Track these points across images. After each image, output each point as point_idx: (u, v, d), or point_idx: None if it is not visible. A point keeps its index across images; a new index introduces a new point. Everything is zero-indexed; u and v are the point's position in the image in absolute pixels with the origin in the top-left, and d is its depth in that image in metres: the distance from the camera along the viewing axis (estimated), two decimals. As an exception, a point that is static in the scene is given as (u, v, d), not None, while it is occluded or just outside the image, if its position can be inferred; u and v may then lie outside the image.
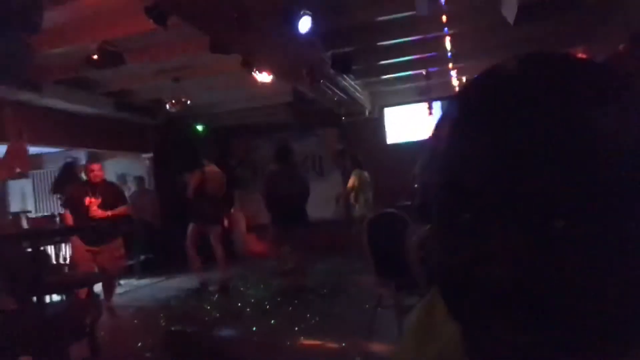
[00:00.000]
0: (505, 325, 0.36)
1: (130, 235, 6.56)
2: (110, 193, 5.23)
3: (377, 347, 3.51)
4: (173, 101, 6.45)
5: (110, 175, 8.82)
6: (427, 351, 0.55)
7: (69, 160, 7.32)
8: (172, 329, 4.40)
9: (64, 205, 5.35)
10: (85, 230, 4.87)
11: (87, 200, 4.98)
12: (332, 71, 5.74)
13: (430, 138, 0.45)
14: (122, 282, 6.83)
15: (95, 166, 5.19)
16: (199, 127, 8.75)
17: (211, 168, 6.15)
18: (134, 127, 7.98)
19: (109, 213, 5.05)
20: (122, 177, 8.51)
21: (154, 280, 7.22)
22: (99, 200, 5.00)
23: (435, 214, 0.41)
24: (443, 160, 0.40)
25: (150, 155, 8.52)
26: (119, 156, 8.47)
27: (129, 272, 7.07)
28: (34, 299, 2.79)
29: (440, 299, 0.51)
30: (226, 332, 4.48)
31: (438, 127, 0.43)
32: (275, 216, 5.53)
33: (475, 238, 0.37)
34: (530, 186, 0.35)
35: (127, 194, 8.09)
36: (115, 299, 5.41)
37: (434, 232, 0.42)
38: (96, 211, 4.98)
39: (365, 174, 6.93)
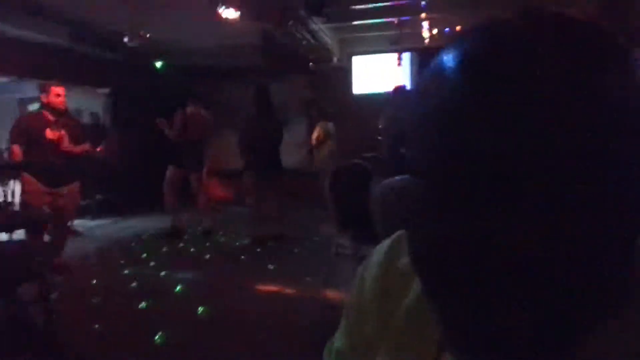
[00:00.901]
0: (482, 307, 0.35)
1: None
2: (77, 125, 4.54)
3: (332, 294, 3.58)
4: (133, 35, 6.10)
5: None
6: (393, 310, 0.53)
7: None
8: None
9: (13, 137, 4.29)
10: (46, 167, 4.16)
11: (48, 131, 4.17)
12: (302, 12, 5.52)
13: (416, 88, 0.40)
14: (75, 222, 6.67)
15: (60, 89, 4.32)
16: (159, 64, 8.35)
17: (196, 109, 5.88)
18: (90, 59, 7.53)
19: (86, 148, 4.36)
20: (77, 112, 8.12)
21: (110, 220, 7.08)
22: (64, 132, 4.21)
23: (418, 175, 0.38)
24: (434, 120, 0.36)
25: (107, 90, 8.13)
26: (73, 90, 8.04)
27: (83, 213, 6.88)
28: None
29: (401, 250, 0.51)
30: (181, 274, 4.47)
31: (427, 80, 0.39)
32: (252, 162, 5.39)
33: (472, 205, 0.34)
34: (537, 153, 0.32)
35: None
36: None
37: (413, 193, 0.38)
38: (69, 146, 4.22)
39: (330, 125, 6.86)
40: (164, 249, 5.39)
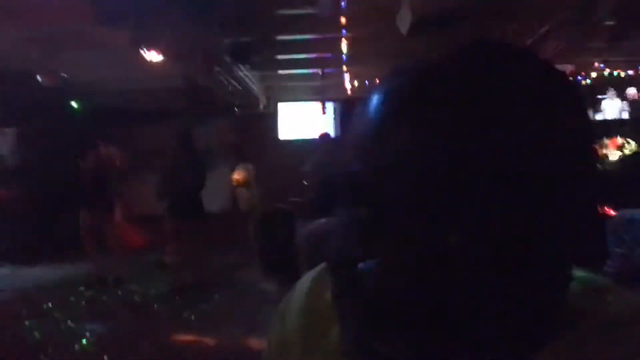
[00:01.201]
0: (380, 333, 0.34)
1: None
2: None
3: (255, 343, 3.47)
4: (46, 74, 5.81)
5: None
6: (320, 338, 0.52)
7: None
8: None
9: None
10: None
11: None
12: (227, 59, 5.58)
13: (331, 135, 0.42)
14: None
15: None
16: (75, 105, 7.97)
17: (106, 150, 5.60)
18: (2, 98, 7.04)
19: None
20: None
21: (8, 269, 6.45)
22: None
23: (336, 206, 0.38)
24: (353, 151, 0.37)
25: (14, 130, 7.59)
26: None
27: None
28: None
29: (323, 283, 0.49)
30: (89, 325, 4.13)
31: (357, 122, 0.40)
32: (173, 206, 5.21)
33: (368, 236, 0.34)
34: (435, 194, 0.32)
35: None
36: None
37: (333, 227, 0.39)
38: None
39: (250, 166, 6.86)
40: (71, 299, 4.98)
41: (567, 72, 5.70)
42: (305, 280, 0.58)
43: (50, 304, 4.71)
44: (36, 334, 3.86)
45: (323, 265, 0.56)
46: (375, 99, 0.38)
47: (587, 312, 0.37)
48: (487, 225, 0.32)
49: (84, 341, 3.73)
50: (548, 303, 0.36)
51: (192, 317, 4.34)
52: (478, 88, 0.33)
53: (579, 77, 7.29)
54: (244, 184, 6.55)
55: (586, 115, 0.37)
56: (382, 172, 0.34)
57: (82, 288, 5.32)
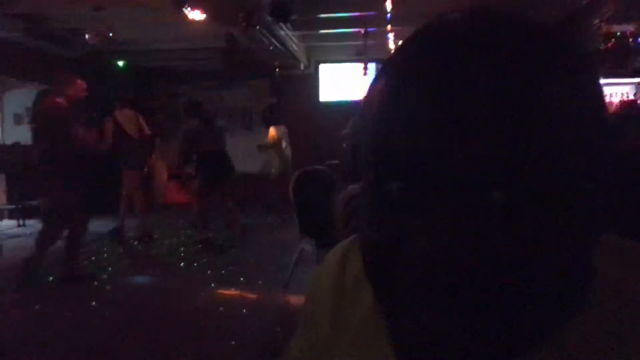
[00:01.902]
0: (426, 308, 0.33)
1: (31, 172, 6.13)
2: None
3: (293, 299, 3.56)
4: (93, 32, 5.92)
5: (17, 108, 8.09)
6: (348, 315, 0.52)
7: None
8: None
9: None
10: None
11: None
12: (269, 19, 5.51)
13: (364, 98, 0.40)
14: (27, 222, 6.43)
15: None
16: (120, 64, 8.12)
17: (123, 112, 5.74)
18: (46, 57, 7.27)
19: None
20: (30, 111, 7.81)
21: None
22: None
23: (365, 181, 0.37)
24: (375, 123, 0.36)
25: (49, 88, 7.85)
26: (29, 87, 7.73)
27: (34, 213, 6.61)
28: None
29: (357, 253, 0.47)
30: (139, 279, 4.34)
31: (372, 86, 0.39)
32: (197, 168, 5.50)
33: (403, 209, 0.33)
34: (467, 153, 0.30)
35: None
36: (19, 240, 5.05)
37: (362, 199, 0.38)
38: None
39: (282, 128, 6.89)
40: (120, 251, 5.24)
41: (628, 33, 5.34)
42: (337, 251, 0.57)
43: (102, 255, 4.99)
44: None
45: (355, 235, 0.56)
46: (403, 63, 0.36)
47: (621, 282, 0.37)
48: (531, 180, 0.30)
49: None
50: (584, 270, 0.35)
51: (223, 272, 4.47)
52: (500, 48, 0.32)
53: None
54: (278, 145, 6.59)
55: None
56: (419, 137, 0.33)
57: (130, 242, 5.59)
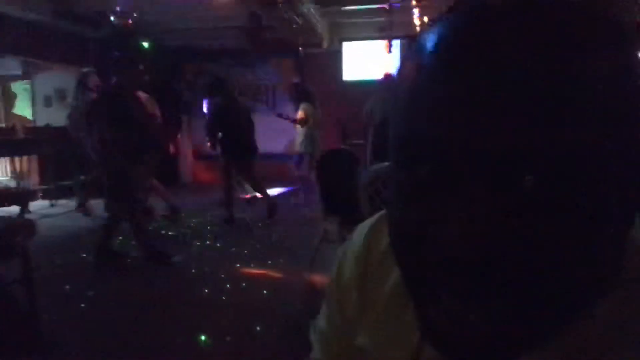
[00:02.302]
0: (453, 295, 0.33)
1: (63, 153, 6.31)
2: None
3: (317, 278, 3.60)
4: (119, 13, 5.97)
5: (47, 89, 8.25)
6: (372, 295, 0.52)
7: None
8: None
9: None
10: None
11: None
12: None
13: (395, 76, 0.39)
14: (60, 202, 6.63)
15: None
16: (146, 44, 8.17)
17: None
18: (74, 38, 7.37)
19: None
20: (61, 92, 7.97)
21: (93, 202, 6.98)
22: None
23: (394, 162, 0.37)
24: (406, 105, 0.35)
25: (92, 70, 7.95)
26: (57, 69, 7.87)
27: (67, 193, 6.80)
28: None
29: (384, 230, 0.47)
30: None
31: (403, 65, 0.38)
32: (222, 147, 5.50)
33: (434, 193, 0.33)
34: (502, 137, 0.30)
35: (65, 111, 7.62)
36: (52, 220, 5.19)
37: (391, 180, 0.38)
38: None
39: (307, 106, 6.86)
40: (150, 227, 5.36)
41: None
42: (362, 229, 0.57)
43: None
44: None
45: (381, 213, 0.56)
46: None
47: None
48: (565, 164, 0.30)
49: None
50: (614, 252, 0.34)
51: (245, 252, 4.54)
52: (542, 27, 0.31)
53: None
54: (303, 124, 6.57)
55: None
56: (451, 120, 0.32)
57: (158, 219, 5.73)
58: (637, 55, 0.34)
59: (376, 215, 0.57)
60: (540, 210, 0.30)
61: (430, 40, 0.35)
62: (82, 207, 6.07)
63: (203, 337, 2.79)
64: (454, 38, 0.33)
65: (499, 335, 0.33)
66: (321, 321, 0.61)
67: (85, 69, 6.03)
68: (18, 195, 3.78)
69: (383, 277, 0.51)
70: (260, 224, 5.56)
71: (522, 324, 0.33)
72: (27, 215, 4.47)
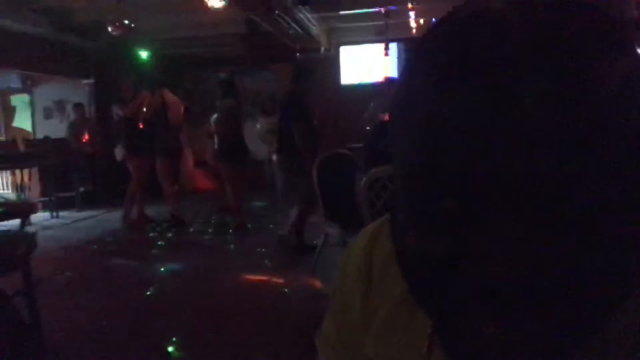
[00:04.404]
0: (489, 322, 0.32)
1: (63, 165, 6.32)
2: None
3: (319, 283, 3.59)
4: (116, 24, 6.00)
5: (47, 102, 8.29)
6: (377, 300, 0.52)
7: None
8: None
9: None
10: None
11: None
12: (288, 2, 5.48)
13: (396, 92, 0.36)
14: (61, 214, 6.65)
15: None
16: (144, 54, 8.21)
17: (169, 94, 5.77)
18: (73, 50, 7.42)
19: None
20: (61, 104, 8.00)
21: (94, 213, 7.00)
22: None
23: (409, 194, 0.35)
24: (419, 133, 0.32)
25: (91, 81, 8.00)
26: (56, 81, 7.91)
27: (67, 205, 6.82)
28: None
29: (386, 234, 0.47)
30: (168, 265, 4.44)
31: (406, 80, 0.35)
32: (217, 152, 5.44)
33: (461, 226, 0.31)
34: (532, 166, 0.28)
35: (65, 122, 7.63)
36: (53, 232, 5.20)
37: (406, 214, 0.36)
38: None
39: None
40: (151, 234, 5.38)
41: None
42: (365, 232, 0.56)
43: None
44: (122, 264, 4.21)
45: (384, 218, 0.55)
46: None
47: None
48: (597, 190, 0.29)
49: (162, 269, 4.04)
50: None
51: (249, 257, 4.53)
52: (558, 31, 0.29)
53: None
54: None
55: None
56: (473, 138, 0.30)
57: (160, 226, 5.73)
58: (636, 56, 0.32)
59: (377, 221, 0.56)
60: (583, 237, 0.29)
61: (433, 51, 0.33)
62: (126, 218, 6.08)
63: (206, 344, 2.78)
64: (465, 51, 0.31)
65: (538, 354, 0.32)
66: (326, 326, 0.60)
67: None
68: (19, 208, 3.77)
69: (387, 283, 0.51)
70: (261, 230, 5.55)
71: (562, 342, 0.32)
72: (28, 228, 4.47)
